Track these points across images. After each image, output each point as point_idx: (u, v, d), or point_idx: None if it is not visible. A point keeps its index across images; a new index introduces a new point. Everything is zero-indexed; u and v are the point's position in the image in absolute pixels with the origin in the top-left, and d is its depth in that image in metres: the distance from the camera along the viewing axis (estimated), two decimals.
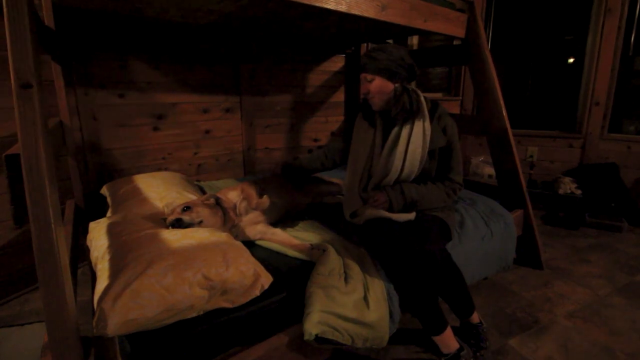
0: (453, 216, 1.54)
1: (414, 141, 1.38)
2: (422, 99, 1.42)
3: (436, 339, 1.29)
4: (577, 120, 3.07)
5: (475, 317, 1.42)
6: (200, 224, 1.32)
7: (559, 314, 1.66)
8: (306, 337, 1.06)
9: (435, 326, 1.28)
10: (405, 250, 1.25)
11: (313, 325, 1.07)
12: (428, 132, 1.39)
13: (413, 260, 1.24)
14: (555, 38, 3.30)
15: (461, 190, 1.51)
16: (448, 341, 1.28)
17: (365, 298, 1.20)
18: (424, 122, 1.39)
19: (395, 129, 1.42)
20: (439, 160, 1.46)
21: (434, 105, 1.47)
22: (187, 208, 1.34)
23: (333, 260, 1.27)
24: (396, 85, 1.38)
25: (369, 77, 1.38)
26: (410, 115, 1.38)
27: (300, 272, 1.26)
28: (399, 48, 1.39)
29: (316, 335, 1.07)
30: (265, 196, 1.62)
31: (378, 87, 1.38)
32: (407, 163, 1.40)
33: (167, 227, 1.29)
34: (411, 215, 1.43)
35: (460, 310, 1.41)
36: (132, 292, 0.92)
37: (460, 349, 1.28)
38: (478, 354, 1.37)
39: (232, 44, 2.41)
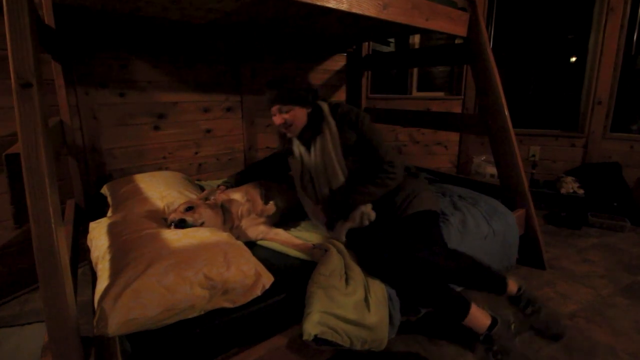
0: (430, 196, 1.49)
1: (326, 149, 1.44)
2: (325, 107, 1.48)
3: (465, 323, 1.25)
4: (579, 119, 3.06)
5: (513, 287, 1.37)
6: (202, 225, 1.32)
7: (561, 313, 1.65)
8: (305, 337, 1.06)
9: (457, 312, 1.25)
10: (399, 263, 1.23)
11: (312, 325, 1.06)
12: (336, 136, 1.44)
13: (408, 271, 1.23)
14: (558, 37, 3.29)
15: (395, 165, 1.42)
16: (477, 320, 1.24)
17: (366, 300, 1.19)
18: (330, 129, 1.45)
19: (312, 148, 1.49)
20: (363, 153, 1.46)
21: (334, 108, 1.50)
22: (189, 208, 1.34)
23: (334, 261, 1.27)
24: (309, 111, 1.45)
25: (285, 107, 1.42)
26: (317, 131, 1.46)
27: (301, 272, 1.26)
28: (295, 76, 1.52)
29: (315, 336, 1.06)
30: (271, 203, 1.62)
31: (295, 116, 1.43)
32: (329, 172, 1.46)
33: (168, 227, 1.28)
34: (372, 215, 1.42)
35: (492, 289, 1.37)
36: (133, 292, 0.91)
37: (493, 324, 1.23)
38: (535, 316, 1.35)
39: (233, 43, 2.40)
